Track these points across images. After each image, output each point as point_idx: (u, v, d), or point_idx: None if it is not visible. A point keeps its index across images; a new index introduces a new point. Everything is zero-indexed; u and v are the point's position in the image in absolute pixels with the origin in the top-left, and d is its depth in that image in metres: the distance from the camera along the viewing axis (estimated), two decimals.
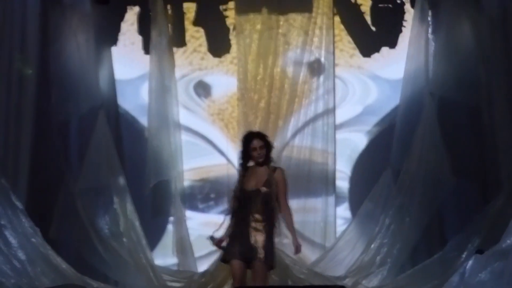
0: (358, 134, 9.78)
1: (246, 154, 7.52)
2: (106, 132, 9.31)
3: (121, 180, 9.33)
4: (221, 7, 9.88)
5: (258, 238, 7.32)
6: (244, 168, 7.57)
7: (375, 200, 9.27)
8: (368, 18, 9.79)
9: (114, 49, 9.89)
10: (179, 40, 9.90)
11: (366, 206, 9.30)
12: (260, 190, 7.38)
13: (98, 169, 9.27)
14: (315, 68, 9.61)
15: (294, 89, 9.58)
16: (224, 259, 7.50)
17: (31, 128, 8.98)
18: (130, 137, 9.83)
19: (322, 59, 9.60)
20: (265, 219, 7.39)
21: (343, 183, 9.69)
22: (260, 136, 7.57)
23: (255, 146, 7.45)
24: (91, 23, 9.30)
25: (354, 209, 9.60)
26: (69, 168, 9.38)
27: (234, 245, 7.37)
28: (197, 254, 9.48)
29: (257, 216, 7.36)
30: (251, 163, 7.62)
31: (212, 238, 7.56)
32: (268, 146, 7.54)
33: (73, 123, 9.60)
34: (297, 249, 7.61)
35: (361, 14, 9.81)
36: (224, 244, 7.52)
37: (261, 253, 7.29)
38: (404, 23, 9.73)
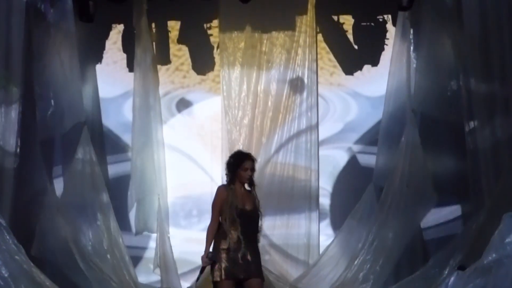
0: (339, 151, 9.86)
1: (234, 172, 7.47)
2: (89, 148, 9.31)
3: (105, 197, 9.33)
4: (205, 25, 9.95)
5: (250, 256, 7.30)
6: (229, 184, 7.50)
7: (358, 216, 9.33)
8: (350, 37, 9.89)
9: (97, 67, 9.93)
10: (163, 57, 9.95)
11: (349, 222, 9.36)
12: (255, 210, 7.38)
13: (81, 185, 9.28)
14: (298, 85, 9.69)
15: (277, 106, 9.66)
16: (214, 280, 7.33)
17: (15, 144, 8.95)
18: (114, 154, 9.84)
19: (305, 77, 9.68)
20: (257, 238, 7.42)
21: (324, 200, 9.76)
22: (253, 159, 7.56)
23: (248, 167, 7.43)
24: (75, 40, 9.30)
25: (336, 225, 9.67)
26: (52, 184, 9.38)
27: (225, 264, 7.27)
28: (180, 271, 9.48)
29: (255, 235, 7.37)
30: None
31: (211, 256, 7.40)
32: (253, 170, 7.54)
33: (57, 140, 9.58)
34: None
35: (343, 32, 9.90)
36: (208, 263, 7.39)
37: (256, 270, 7.29)
38: (386, 41, 9.83)
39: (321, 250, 9.50)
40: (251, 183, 7.46)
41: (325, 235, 9.65)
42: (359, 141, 9.82)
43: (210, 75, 9.96)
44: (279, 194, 9.42)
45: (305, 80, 9.69)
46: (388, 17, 9.85)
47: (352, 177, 9.76)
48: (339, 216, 9.61)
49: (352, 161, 9.82)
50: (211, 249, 7.31)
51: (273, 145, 9.57)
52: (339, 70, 9.93)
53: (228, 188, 7.40)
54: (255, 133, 9.59)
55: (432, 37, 9.21)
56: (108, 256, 9.15)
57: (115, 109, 9.97)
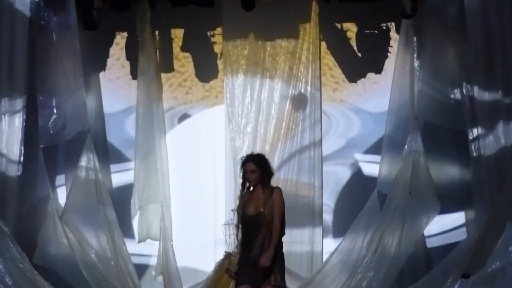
0: (342, 167, 9.86)
1: (243, 178, 7.53)
2: (93, 156, 9.31)
3: (108, 205, 9.31)
4: (209, 33, 9.97)
5: (265, 261, 7.29)
6: (243, 192, 7.56)
7: (362, 224, 9.31)
8: (354, 44, 9.89)
9: (101, 81, 9.94)
10: (167, 65, 9.97)
11: (352, 230, 9.34)
12: (260, 213, 7.37)
13: (84, 193, 9.25)
14: (301, 101, 9.68)
15: (281, 113, 9.66)
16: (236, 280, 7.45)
17: (19, 153, 8.97)
18: (117, 163, 9.87)
19: (308, 93, 9.67)
20: (262, 241, 7.37)
21: (327, 216, 9.74)
22: (253, 159, 7.55)
23: (247, 169, 7.46)
24: (79, 48, 9.29)
25: (338, 241, 9.57)
26: (55, 192, 9.39)
27: (243, 270, 7.33)
28: (183, 278, 9.45)
29: (262, 239, 7.34)
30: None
31: (228, 270, 7.55)
32: (263, 168, 7.51)
33: (60, 148, 9.61)
34: (262, 263, 7.42)
35: (347, 40, 9.91)
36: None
37: (270, 276, 7.29)
38: (390, 49, 9.83)
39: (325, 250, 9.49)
40: (258, 184, 7.43)
41: (327, 251, 9.59)
42: (361, 157, 9.82)
43: (213, 83, 9.96)
44: None
45: (308, 96, 9.68)
46: (392, 25, 9.86)
47: (355, 193, 9.74)
48: (343, 232, 9.55)
49: (355, 177, 9.83)
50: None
51: (276, 154, 9.55)
52: (341, 87, 9.94)
53: (242, 195, 7.51)
54: (259, 141, 9.60)
55: (436, 45, 9.21)
56: (112, 263, 9.13)
57: (118, 124, 9.99)
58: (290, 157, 9.60)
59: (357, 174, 9.81)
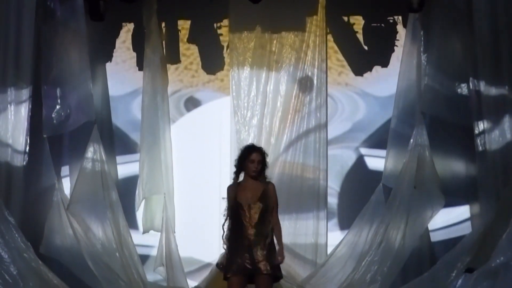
0: (347, 151, 9.86)
1: (241, 164, 7.49)
2: (99, 147, 9.33)
3: (114, 195, 9.32)
4: (215, 25, 9.97)
5: (259, 252, 7.30)
6: (236, 179, 7.53)
7: (366, 217, 9.31)
8: (360, 37, 9.88)
9: (107, 66, 9.96)
10: (173, 57, 9.97)
11: (357, 223, 9.35)
12: (257, 203, 7.36)
13: (90, 183, 9.27)
14: (307, 85, 9.68)
15: (286, 106, 9.67)
16: (225, 276, 7.36)
17: (24, 143, 8.99)
18: (123, 154, 9.89)
19: (314, 77, 9.68)
20: (264, 232, 7.37)
21: (332, 199, 9.75)
22: (261, 151, 7.56)
23: (254, 159, 7.42)
24: (85, 39, 9.30)
25: (343, 224, 9.67)
26: (61, 182, 9.41)
27: (234, 261, 7.28)
28: (186, 269, 9.49)
29: (256, 229, 7.34)
30: (241, 177, 7.59)
31: (218, 264, 7.54)
32: (264, 163, 7.53)
33: (66, 138, 9.63)
34: (281, 259, 7.51)
35: (353, 33, 9.90)
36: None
37: (264, 266, 7.27)
38: (396, 43, 9.82)
39: (329, 249, 9.50)
40: (259, 175, 7.43)
41: (333, 234, 9.64)
42: (367, 140, 9.82)
43: (219, 75, 9.96)
44: (288, 193, 9.42)
45: (314, 80, 9.68)
46: (399, 19, 9.85)
47: (360, 177, 9.78)
48: (347, 215, 9.62)
49: (360, 161, 9.83)
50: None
51: (282, 145, 9.58)
52: (347, 70, 9.93)
53: (233, 184, 7.43)
54: (264, 133, 9.61)
55: (442, 39, 9.20)
56: (117, 254, 9.15)
57: (124, 107, 10.00)
58: (296, 140, 9.59)
59: (362, 158, 9.81)
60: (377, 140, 9.74)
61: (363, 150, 9.82)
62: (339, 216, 9.77)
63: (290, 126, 9.63)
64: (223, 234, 7.39)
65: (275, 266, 7.31)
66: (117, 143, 9.93)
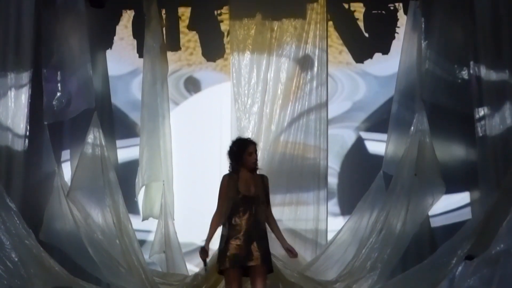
0: (347, 130, 9.87)
1: (239, 158, 7.50)
2: (99, 133, 9.32)
3: (114, 182, 9.30)
4: (216, 12, 9.94)
5: (256, 243, 7.30)
6: (238, 172, 7.54)
7: (367, 205, 9.31)
8: (361, 24, 9.86)
9: (107, 52, 9.95)
10: (173, 44, 9.95)
11: (357, 210, 9.34)
12: (260, 195, 7.38)
13: (90, 169, 9.26)
14: (308, 64, 9.63)
15: (287, 93, 9.63)
16: (220, 268, 7.40)
17: (25, 128, 9.00)
18: (123, 139, 9.89)
19: (315, 56, 9.62)
20: (261, 223, 7.40)
21: (332, 179, 9.74)
22: (255, 143, 7.60)
23: (252, 151, 7.46)
24: (85, 25, 9.30)
25: (343, 204, 9.69)
26: (61, 168, 9.41)
27: (230, 252, 7.31)
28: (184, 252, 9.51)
29: (256, 221, 7.35)
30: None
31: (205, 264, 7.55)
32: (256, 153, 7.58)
33: (66, 124, 9.63)
34: (292, 253, 7.57)
35: (354, 20, 9.88)
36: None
37: (260, 258, 7.28)
38: (397, 30, 9.80)
39: (329, 235, 9.48)
40: (256, 167, 7.47)
41: (332, 214, 9.64)
42: (367, 120, 9.82)
43: (220, 62, 9.95)
44: (289, 172, 9.42)
45: (315, 59, 9.64)
46: (400, 6, 9.82)
47: (359, 157, 9.78)
48: (346, 195, 9.65)
49: (360, 141, 9.83)
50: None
51: (282, 132, 9.55)
52: (347, 49, 9.90)
53: (233, 175, 7.43)
54: (264, 121, 9.58)
55: (443, 26, 9.19)
56: (117, 241, 9.15)
57: (123, 87, 10.00)
58: (297, 119, 9.57)
59: (362, 138, 9.81)
60: (377, 120, 9.73)
61: (363, 134, 9.80)
62: (339, 197, 9.75)
63: (291, 108, 9.59)
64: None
65: (268, 258, 7.33)
66: (117, 125, 9.93)
